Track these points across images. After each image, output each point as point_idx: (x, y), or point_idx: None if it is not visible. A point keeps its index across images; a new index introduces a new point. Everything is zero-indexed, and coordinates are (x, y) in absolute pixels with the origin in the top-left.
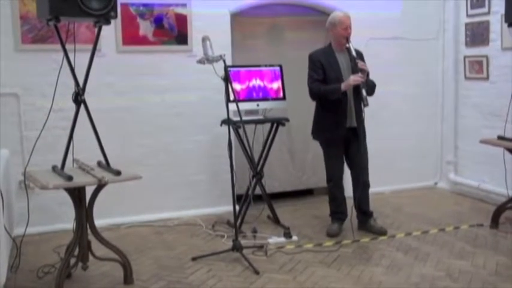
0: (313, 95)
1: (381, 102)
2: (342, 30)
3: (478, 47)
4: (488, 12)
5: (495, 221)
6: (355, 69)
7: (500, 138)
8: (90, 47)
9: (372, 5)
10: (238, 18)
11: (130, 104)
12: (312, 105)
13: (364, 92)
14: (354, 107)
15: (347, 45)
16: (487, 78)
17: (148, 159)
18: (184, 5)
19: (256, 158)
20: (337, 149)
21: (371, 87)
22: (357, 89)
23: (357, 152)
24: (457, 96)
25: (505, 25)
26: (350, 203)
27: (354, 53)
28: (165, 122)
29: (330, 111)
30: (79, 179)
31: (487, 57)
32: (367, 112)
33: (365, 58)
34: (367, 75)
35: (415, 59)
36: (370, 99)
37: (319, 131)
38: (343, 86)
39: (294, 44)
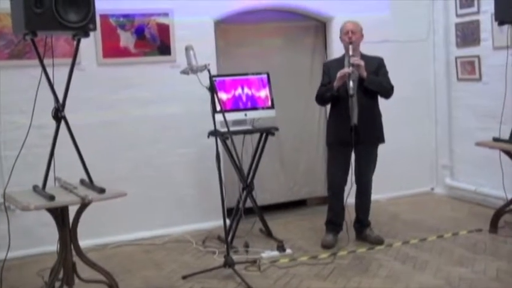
0: (316, 98)
1: None
2: (344, 35)
3: (469, 47)
4: (478, 12)
5: (494, 226)
6: (349, 65)
7: (495, 140)
8: (69, 60)
9: (359, 8)
10: (222, 26)
11: (113, 119)
12: (302, 113)
13: (351, 83)
14: (357, 104)
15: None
16: (480, 78)
17: (133, 175)
18: (166, 15)
19: (245, 170)
20: (341, 153)
21: (378, 86)
22: (361, 86)
23: (361, 155)
24: (450, 99)
25: (496, 24)
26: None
27: (351, 52)
28: (150, 135)
29: (334, 112)
30: (61, 199)
31: (478, 57)
32: None
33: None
34: (379, 74)
35: (405, 61)
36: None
37: (327, 134)
38: (335, 82)
39: (281, 50)
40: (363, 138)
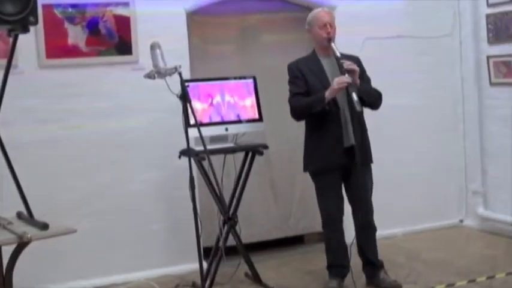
0: (295, 112)
1: (383, 119)
2: (320, 29)
3: (504, 44)
4: None
5: None
6: (341, 71)
7: None
8: (4, 62)
9: None
10: (197, 18)
11: (58, 135)
12: (297, 126)
13: (354, 96)
14: (350, 119)
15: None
16: None
17: (84, 206)
18: (126, 4)
19: (227, 199)
20: (333, 180)
21: (370, 95)
22: (349, 95)
23: (358, 182)
24: (481, 108)
25: None
26: (354, 250)
27: (338, 53)
28: (105, 156)
29: (321, 131)
30: None
31: None
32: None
33: (362, 63)
34: (364, 79)
35: (424, 62)
36: (373, 113)
37: (309, 159)
38: (327, 93)
39: (272, 49)
40: (358, 159)
